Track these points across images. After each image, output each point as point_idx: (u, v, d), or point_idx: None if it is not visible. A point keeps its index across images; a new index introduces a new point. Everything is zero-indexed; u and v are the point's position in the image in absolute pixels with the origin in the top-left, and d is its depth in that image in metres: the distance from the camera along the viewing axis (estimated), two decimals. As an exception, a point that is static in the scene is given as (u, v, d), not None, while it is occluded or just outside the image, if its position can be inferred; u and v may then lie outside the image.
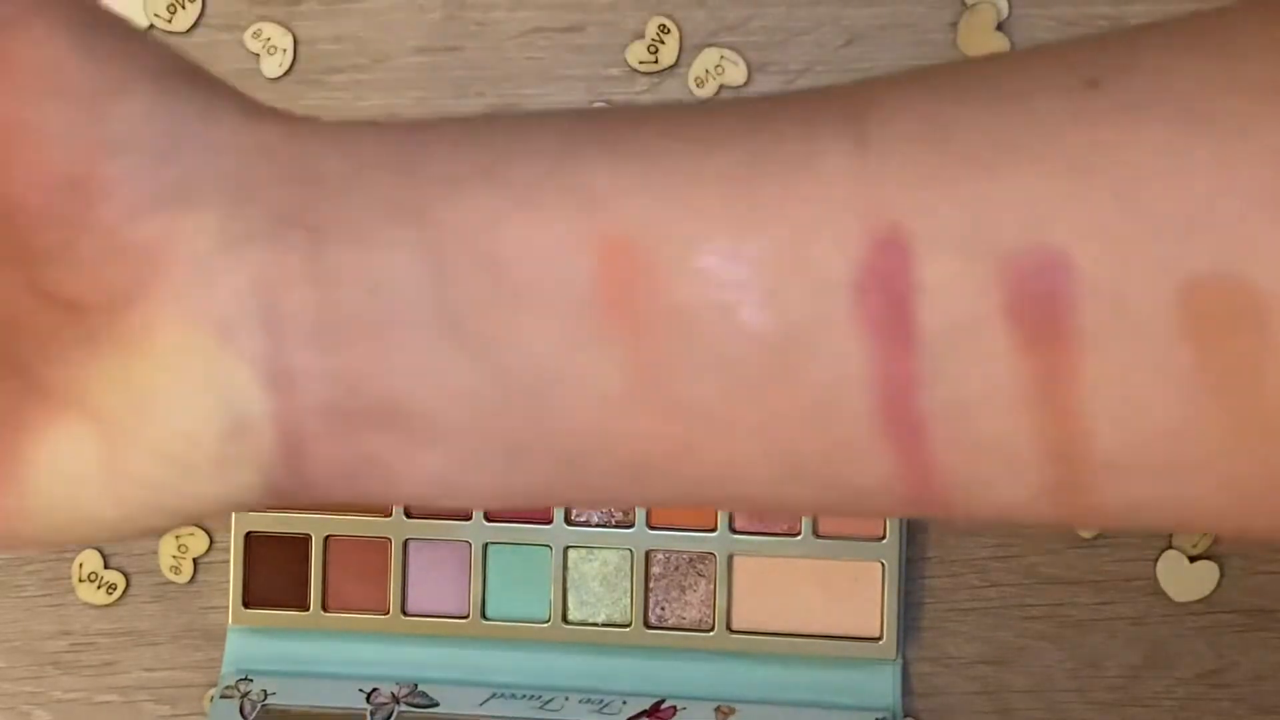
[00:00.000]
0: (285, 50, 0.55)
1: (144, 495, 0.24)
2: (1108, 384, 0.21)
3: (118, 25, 0.24)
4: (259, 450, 0.23)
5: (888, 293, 0.22)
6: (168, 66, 0.24)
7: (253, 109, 0.24)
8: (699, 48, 0.54)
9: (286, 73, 0.55)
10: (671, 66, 0.54)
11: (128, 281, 0.23)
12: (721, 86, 0.54)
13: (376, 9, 0.55)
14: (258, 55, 0.55)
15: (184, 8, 0.55)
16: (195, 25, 0.55)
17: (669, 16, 0.54)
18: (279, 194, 0.23)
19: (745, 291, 0.22)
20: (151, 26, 0.55)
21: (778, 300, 0.22)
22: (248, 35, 0.55)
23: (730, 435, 0.23)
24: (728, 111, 0.24)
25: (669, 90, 0.55)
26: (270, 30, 0.55)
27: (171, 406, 0.23)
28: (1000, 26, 0.54)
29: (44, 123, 0.22)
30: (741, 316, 0.22)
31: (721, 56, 0.54)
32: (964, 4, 0.54)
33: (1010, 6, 0.54)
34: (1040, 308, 0.21)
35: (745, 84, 0.54)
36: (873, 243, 0.22)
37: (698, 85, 0.54)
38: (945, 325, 0.21)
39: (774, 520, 0.52)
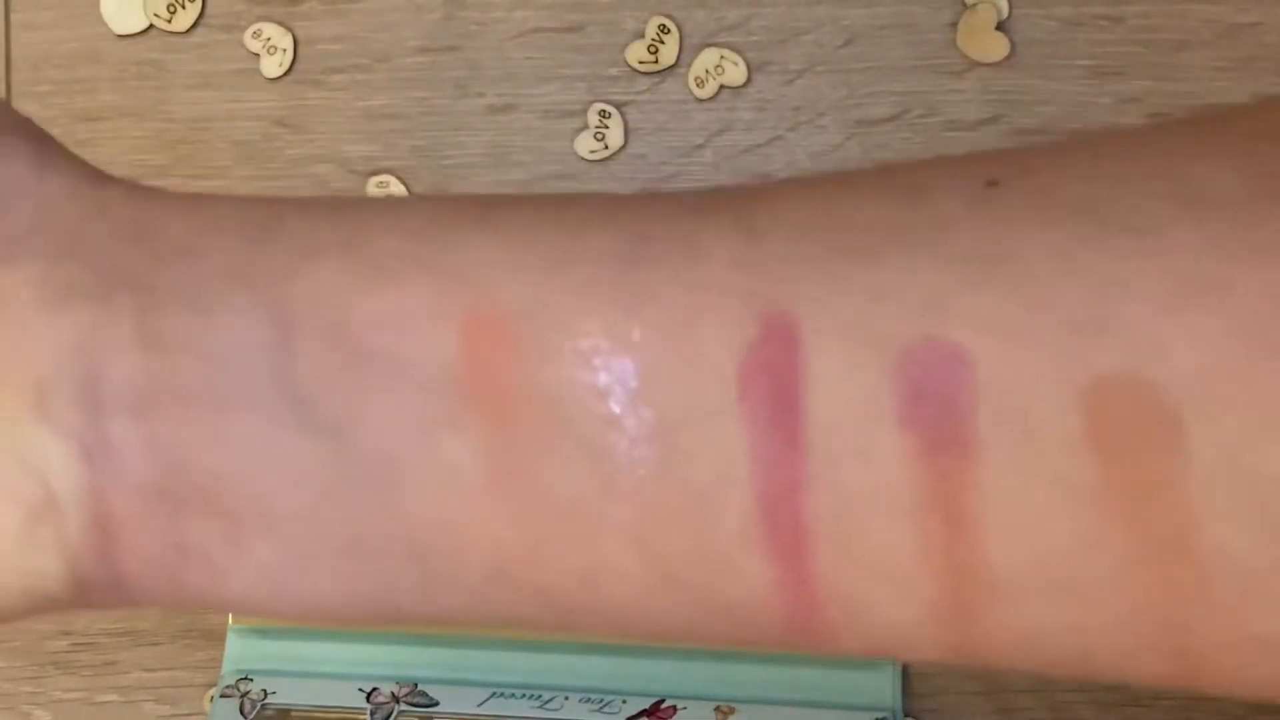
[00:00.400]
0: (285, 50, 0.55)
1: None
2: (1004, 495, 0.20)
3: None
4: (67, 533, 0.21)
5: (774, 384, 0.20)
6: (2, 121, 0.22)
7: (93, 171, 0.22)
8: (699, 48, 0.54)
9: (286, 73, 0.55)
10: (671, 66, 0.54)
11: None
12: (721, 86, 0.54)
13: (376, 9, 0.55)
14: (258, 55, 0.55)
15: (184, 8, 0.55)
16: (195, 25, 0.55)
17: (669, 16, 0.54)
18: (111, 253, 0.21)
19: (621, 378, 0.20)
20: (151, 26, 0.55)
21: (656, 388, 0.20)
22: (248, 35, 0.55)
23: (598, 534, 0.21)
24: (608, 198, 0.22)
25: (669, 90, 0.55)
26: (270, 30, 0.55)
27: None
28: (1000, 26, 0.54)
29: None
30: (616, 405, 0.20)
31: (721, 56, 0.54)
32: (964, 4, 0.54)
33: (1010, 6, 0.54)
34: (936, 408, 0.20)
35: (745, 84, 0.54)
36: (759, 330, 0.20)
37: (698, 85, 0.54)
38: (834, 422, 0.20)
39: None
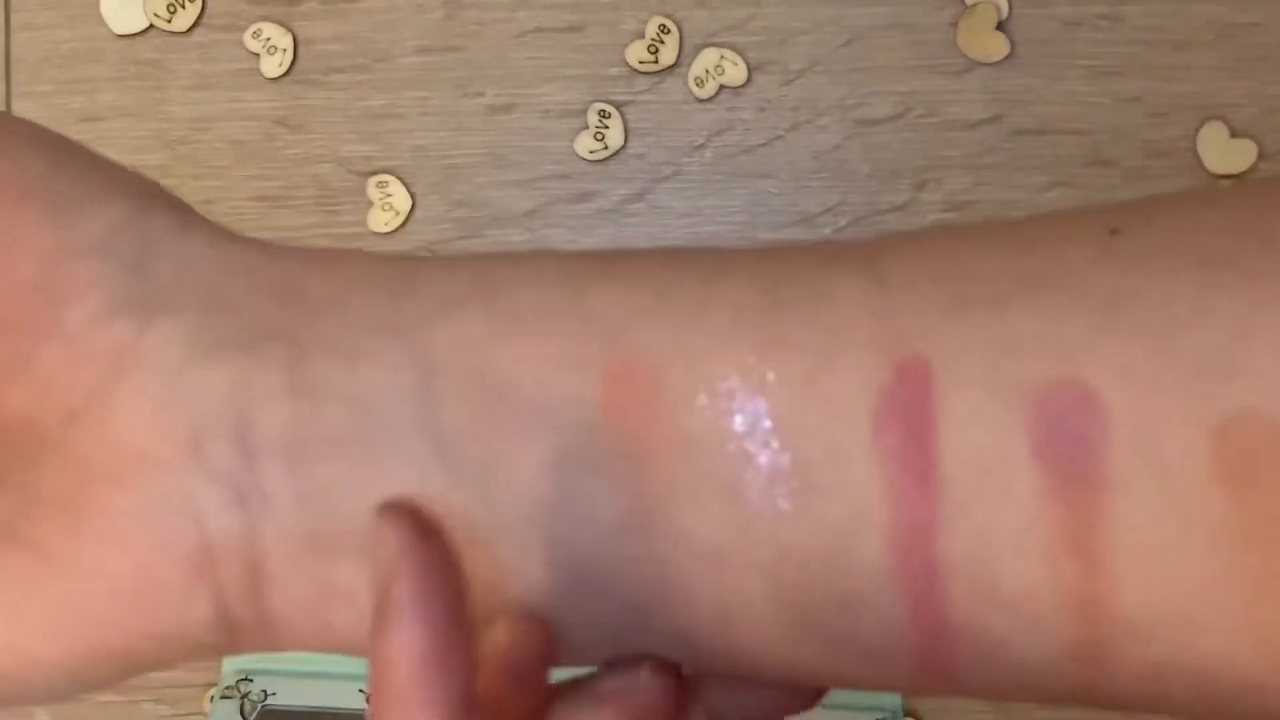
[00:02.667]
0: (285, 50, 0.55)
1: (94, 634, 0.21)
2: (1136, 532, 0.20)
3: (90, 152, 0.23)
4: (220, 577, 0.21)
5: (909, 426, 0.20)
6: (143, 186, 0.23)
7: (231, 233, 0.23)
8: (699, 48, 0.54)
9: (286, 73, 0.55)
10: (671, 66, 0.54)
11: (89, 389, 0.21)
12: (721, 86, 0.54)
13: (376, 9, 0.55)
14: (258, 55, 0.55)
15: (184, 7, 0.55)
16: (195, 25, 0.55)
17: (669, 16, 0.54)
18: (257, 306, 0.22)
19: (757, 420, 0.21)
20: (151, 26, 0.55)
21: (792, 429, 0.21)
22: (248, 35, 0.55)
23: (735, 573, 0.21)
24: (737, 251, 0.23)
25: (669, 90, 0.55)
26: (270, 30, 0.55)
27: (126, 528, 0.21)
28: (1000, 26, 0.54)
29: (15, 229, 0.21)
30: (752, 446, 0.21)
31: (721, 56, 0.54)
32: (964, 4, 0.54)
33: (1010, 6, 0.54)
34: (1070, 449, 0.20)
35: (745, 84, 0.54)
36: (893, 373, 0.20)
37: (698, 85, 0.54)
38: (969, 463, 0.20)
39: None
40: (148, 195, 0.22)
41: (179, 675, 0.56)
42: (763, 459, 0.21)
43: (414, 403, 0.21)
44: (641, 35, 0.54)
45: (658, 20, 0.54)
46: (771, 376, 0.21)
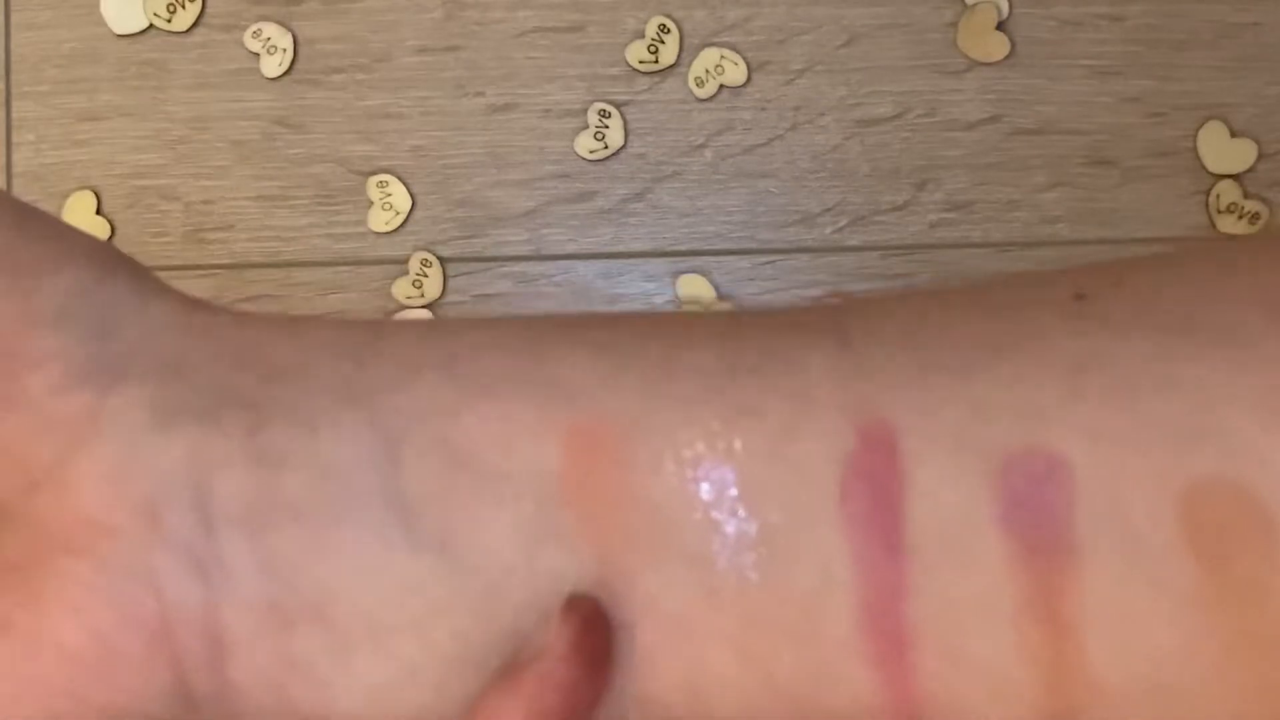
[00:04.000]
0: (285, 50, 0.55)
1: (52, 706, 0.21)
2: (1104, 599, 0.20)
3: (50, 217, 0.22)
4: (179, 648, 0.21)
5: (876, 492, 0.20)
6: (105, 253, 0.22)
7: (193, 300, 0.23)
8: (699, 47, 0.54)
9: (286, 72, 0.55)
10: (671, 66, 0.54)
11: (49, 459, 0.21)
12: (721, 86, 0.54)
13: (376, 9, 0.55)
14: (258, 55, 0.55)
15: (184, 7, 0.55)
16: (195, 25, 0.55)
17: (669, 16, 0.54)
18: (219, 374, 0.21)
19: (723, 487, 0.20)
20: (151, 26, 0.55)
21: (758, 496, 0.20)
22: (248, 35, 0.55)
23: (701, 642, 0.21)
24: (703, 316, 0.23)
25: (669, 90, 0.55)
26: (270, 30, 0.55)
27: (85, 598, 0.21)
28: (1000, 26, 0.54)
29: None
30: (718, 513, 0.20)
31: (721, 56, 0.54)
32: (964, 4, 0.54)
33: (1010, 6, 0.54)
34: (1035, 514, 0.20)
35: (745, 84, 0.54)
36: (860, 439, 0.20)
37: (698, 85, 0.54)
38: (935, 528, 0.20)
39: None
40: (108, 262, 0.22)
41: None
42: (730, 527, 0.21)
43: (375, 470, 0.21)
44: (641, 35, 0.54)
45: (658, 20, 0.54)
46: (738, 444, 0.21)
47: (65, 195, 0.55)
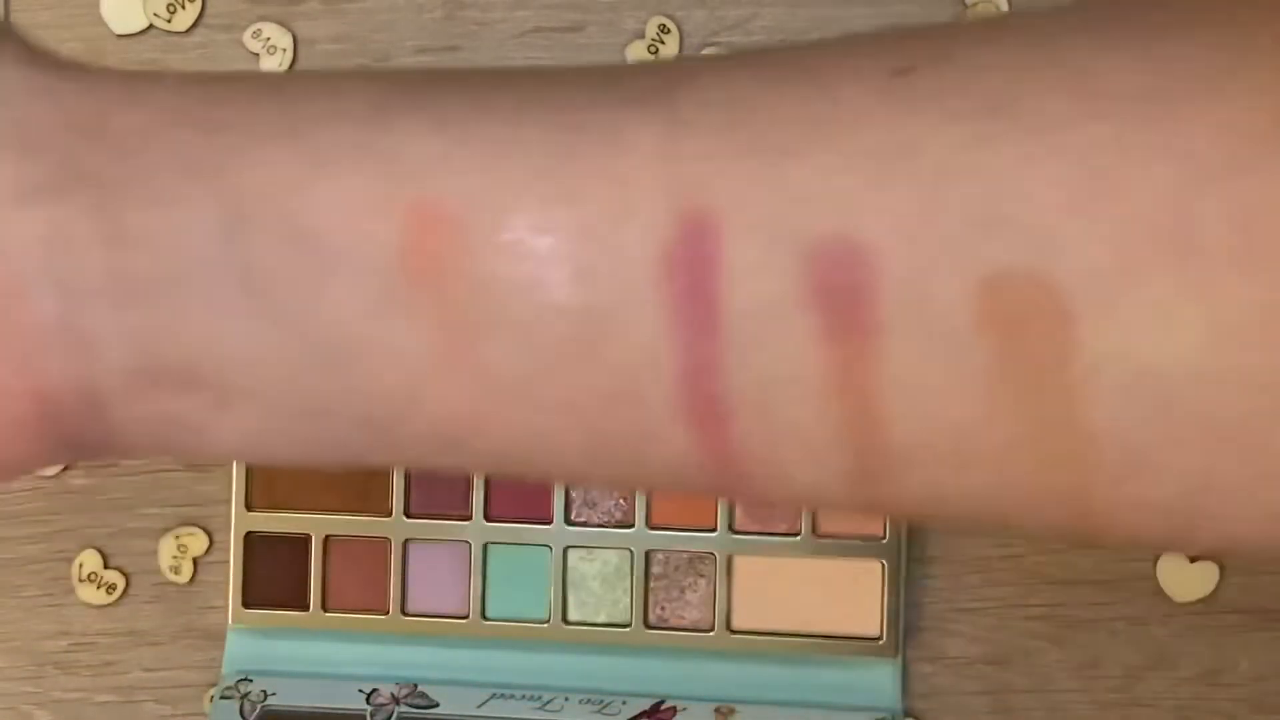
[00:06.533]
0: (285, 50, 0.55)
1: None
2: (905, 376, 0.22)
3: None
4: (59, 413, 0.23)
5: (693, 275, 0.21)
6: None
7: (42, 56, 0.24)
8: (699, 48, 0.54)
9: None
10: (671, 66, 0.54)
11: None
12: (721, 86, 0.54)
13: (376, 9, 0.55)
14: (258, 55, 0.55)
15: (184, 8, 0.55)
16: (195, 25, 0.55)
17: (669, 16, 0.54)
18: (68, 145, 0.22)
19: (551, 266, 0.22)
20: (151, 26, 0.55)
21: (584, 277, 0.22)
22: (247, 35, 0.55)
23: (534, 409, 0.23)
24: (542, 80, 0.24)
25: (669, 90, 0.55)
26: (270, 30, 0.55)
27: None
28: (1000, 26, 0.54)
29: None
30: (547, 291, 0.22)
31: (721, 56, 0.54)
32: (964, 4, 0.54)
33: (1010, 7, 0.54)
34: (842, 299, 0.21)
35: (745, 84, 0.54)
36: (681, 225, 0.22)
37: (698, 85, 0.54)
38: (748, 310, 0.22)
39: (763, 518, 0.52)
40: None
41: (179, 675, 0.56)
42: (556, 307, 0.22)
43: (222, 247, 0.22)
44: (641, 35, 0.54)
45: (658, 20, 0.54)
46: (564, 227, 0.22)
47: (65, 195, 0.55)
